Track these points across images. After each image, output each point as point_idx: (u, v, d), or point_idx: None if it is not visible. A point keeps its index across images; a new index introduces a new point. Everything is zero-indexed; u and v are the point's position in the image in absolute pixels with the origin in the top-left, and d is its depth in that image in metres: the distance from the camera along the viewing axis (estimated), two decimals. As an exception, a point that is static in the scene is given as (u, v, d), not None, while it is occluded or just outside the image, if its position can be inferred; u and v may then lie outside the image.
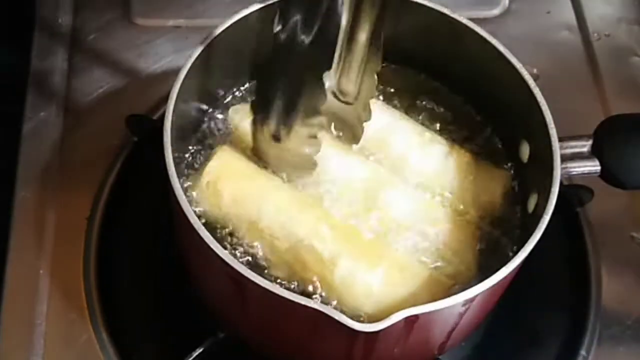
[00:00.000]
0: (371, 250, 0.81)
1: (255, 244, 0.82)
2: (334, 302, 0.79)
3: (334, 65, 0.83)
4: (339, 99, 0.86)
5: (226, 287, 0.76)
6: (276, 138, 0.82)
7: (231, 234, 0.83)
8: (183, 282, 0.88)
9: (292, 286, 0.80)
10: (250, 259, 0.82)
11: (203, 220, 0.82)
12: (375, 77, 0.82)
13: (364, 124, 0.85)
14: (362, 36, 0.81)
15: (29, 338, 0.88)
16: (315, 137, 0.81)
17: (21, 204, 0.96)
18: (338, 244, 0.79)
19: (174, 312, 0.91)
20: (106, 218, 0.95)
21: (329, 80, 0.84)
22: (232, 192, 0.83)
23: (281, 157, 0.84)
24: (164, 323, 0.91)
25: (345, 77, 0.85)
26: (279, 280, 0.81)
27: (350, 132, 0.88)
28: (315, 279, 0.79)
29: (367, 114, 0.84)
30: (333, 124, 0.89)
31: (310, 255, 0.79)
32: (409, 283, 0.78)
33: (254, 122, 0.83)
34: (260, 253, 0.82)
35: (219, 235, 0.83)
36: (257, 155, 0.85)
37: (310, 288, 0.80)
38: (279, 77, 0.78)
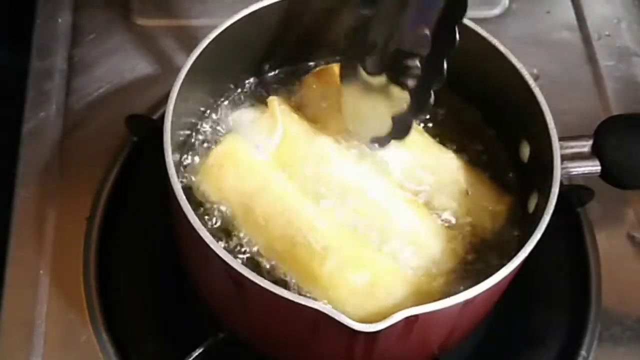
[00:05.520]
0: (361, 252, 0.80)
1: (250, 238, 0.82)
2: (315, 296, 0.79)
3: None
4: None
5: (226, 287, 0.76)
6: (367, 70, 0.78)
7: (230, 232, 0.83)
8: (183, 282, 0.88)
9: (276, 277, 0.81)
10: (247, 255, 0.82)
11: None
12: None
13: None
14: None
15: (29, 338, 0.87)
16: (404, 87, 0.77)
17: (21, 204, 0.96)
18: (331, 239, 0.79)
19: (174, 312, 0.91)
20: (106, 218, 0.95)
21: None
22: (235, 176, 0.83)
23: (358, 109, 0.82)
24: (164, 323, 0.91)
25: None
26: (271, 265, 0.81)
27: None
28: (299, 272, 0.79)
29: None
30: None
31: (303, 245, 0.79)
32: (394, 287, 0.78)
33: (347, 55, 0.80)
34: (255, 249, 0.82)
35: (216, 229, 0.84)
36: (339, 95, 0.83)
37: (292, 280, 0.80)
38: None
